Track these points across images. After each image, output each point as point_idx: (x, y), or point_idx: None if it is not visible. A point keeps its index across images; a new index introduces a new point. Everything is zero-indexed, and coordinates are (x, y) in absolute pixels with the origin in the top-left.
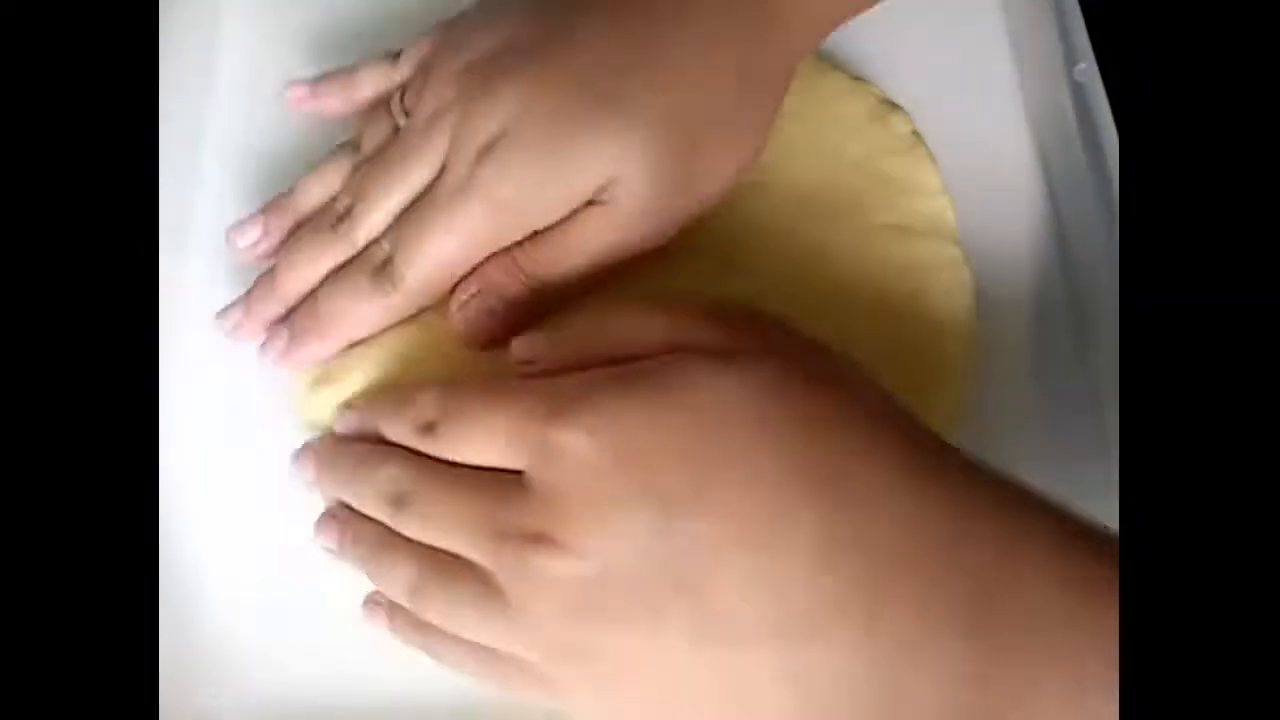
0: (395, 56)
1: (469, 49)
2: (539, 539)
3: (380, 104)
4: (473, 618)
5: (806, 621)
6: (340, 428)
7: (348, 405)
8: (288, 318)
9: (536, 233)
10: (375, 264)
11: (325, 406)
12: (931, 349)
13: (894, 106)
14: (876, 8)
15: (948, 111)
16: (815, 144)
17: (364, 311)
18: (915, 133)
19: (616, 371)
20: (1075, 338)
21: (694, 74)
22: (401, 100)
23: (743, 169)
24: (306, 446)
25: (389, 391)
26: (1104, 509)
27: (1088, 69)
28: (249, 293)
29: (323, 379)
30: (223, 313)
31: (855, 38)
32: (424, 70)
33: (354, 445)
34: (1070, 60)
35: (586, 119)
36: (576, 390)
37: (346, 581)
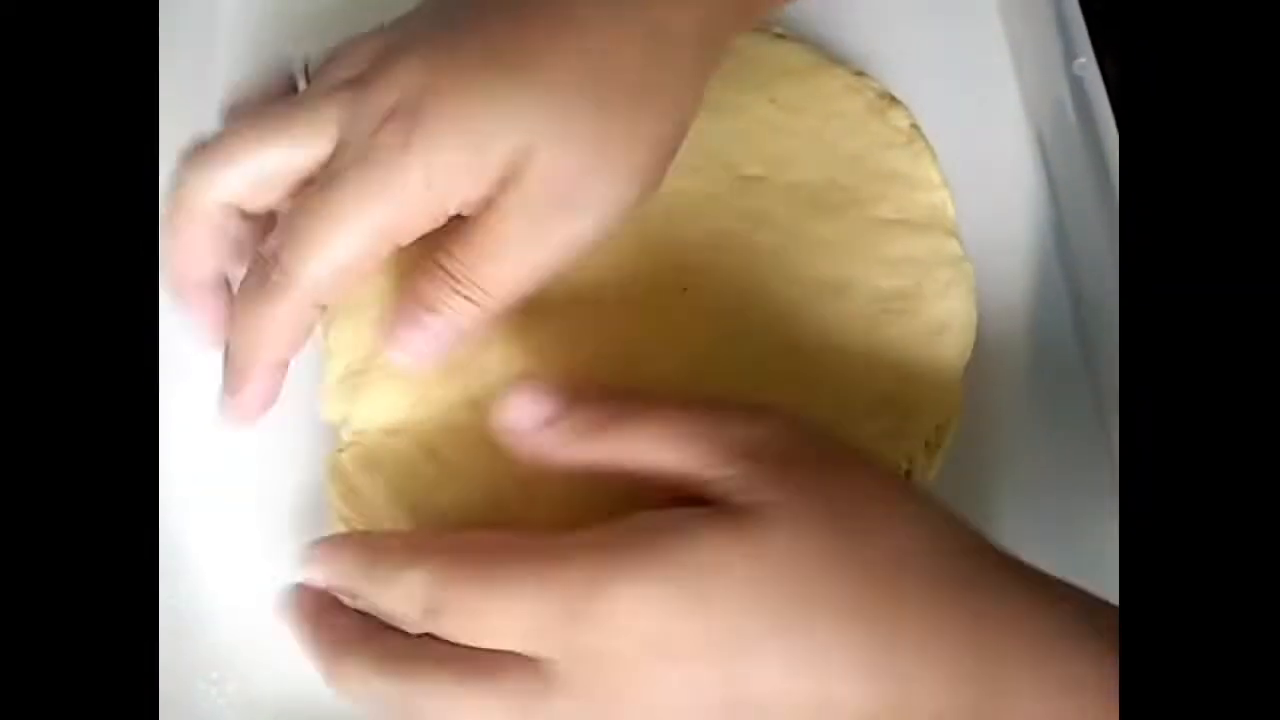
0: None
1: (376, 37)
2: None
3: None
4: None
5: None
6: (308, 577)
7: (311, 549)
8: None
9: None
10: (265, 267)
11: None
12: (932, 343)
13: (893, 101)
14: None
15: (947, 106)
16: (815, 138)
17: (266, 326)
18: (915, 126)
19: (629, 539)
20: (1075, 331)
21: (600, 39)
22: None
23: (672, 139)
24: (287, 602)
25: (355, 549)
26: (1104, 506)
27: (1087, 63)
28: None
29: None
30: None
31: (855, 33)
32: (329, 57)
33: (339, 618)
34: (1069, 55)
35: (495, 86)
36: (598, 571)
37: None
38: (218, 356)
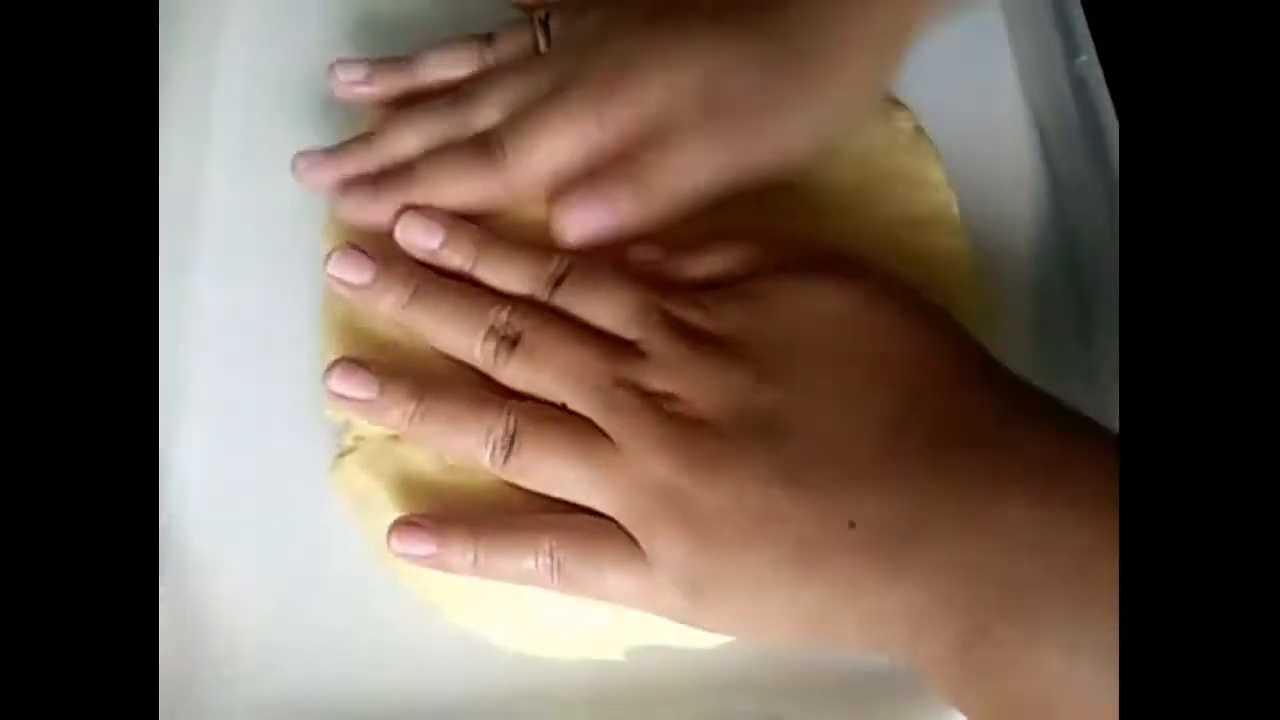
0: (487, 38)
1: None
2: (656, 394)
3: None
4: (570, 459)
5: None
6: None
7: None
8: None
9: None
10: (484, 142)
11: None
12: None
13: (897, 103)
14: None
15: (949, 106)
16: None
17: (461, 182)
18: (918, 128)
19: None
20: (1078, 329)
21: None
22: (545, 23)
23: (827, 121)
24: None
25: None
26: None
27: (1088, 61)
28: (338, 146)
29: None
30: (303, 153)
31: None
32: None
33: (454, 283)
34: (1071, 53)
35: (688, 20)
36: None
37: (351, 581)
38: (217, 357)
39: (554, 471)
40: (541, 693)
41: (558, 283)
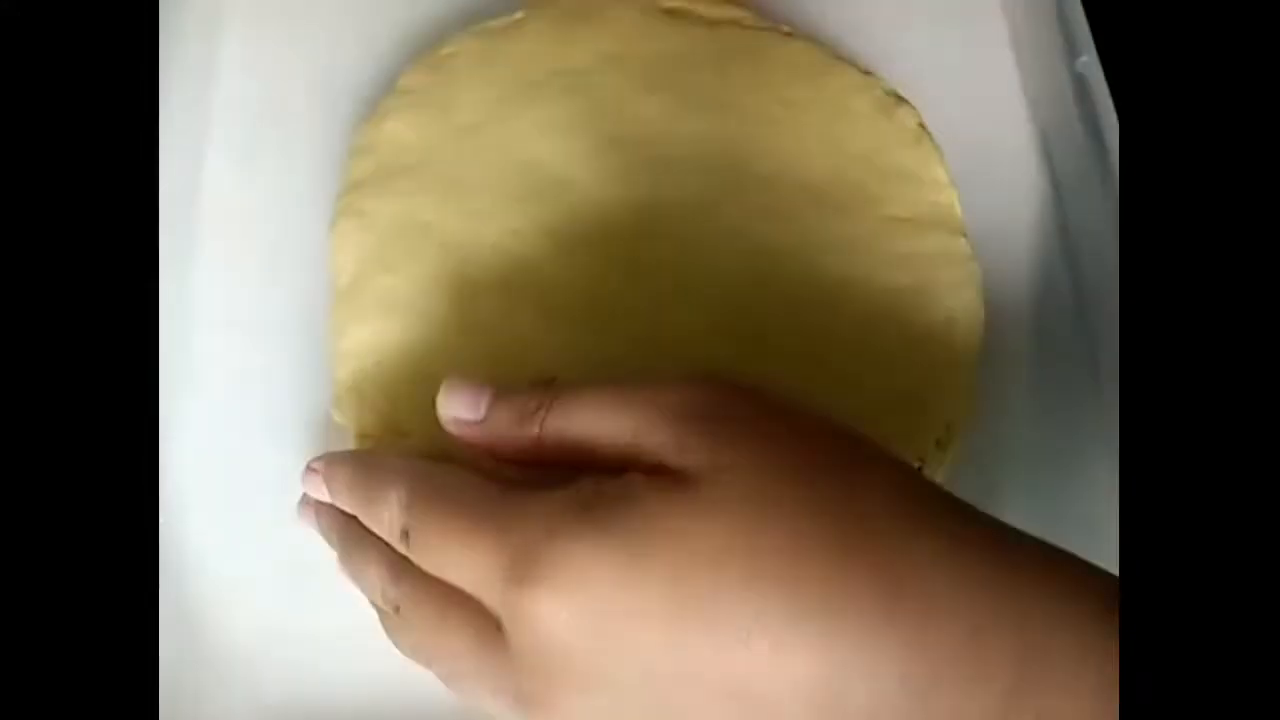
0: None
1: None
2: (520, 698)
3: None
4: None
5: None
6: (307, 490)
7: (311, 466)
8: None
9: None
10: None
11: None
12: (941, 341)
13: (900, 100)
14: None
15: (950, 106)
16: (824, 136)
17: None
18: (922, 125)
19: (576, 505)
20: (1079, 329)
21: None
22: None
23: None
24: (304, 504)
25: (349, 466)
26: (1111, 501)
27: (1089, 62)
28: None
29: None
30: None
31: (862, 33)
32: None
33: (349, 527)
34: (1072, 53)
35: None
36: (539, 535)
37: (352, 584)
38: (217, 356)
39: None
40: None
41: (405, 535)
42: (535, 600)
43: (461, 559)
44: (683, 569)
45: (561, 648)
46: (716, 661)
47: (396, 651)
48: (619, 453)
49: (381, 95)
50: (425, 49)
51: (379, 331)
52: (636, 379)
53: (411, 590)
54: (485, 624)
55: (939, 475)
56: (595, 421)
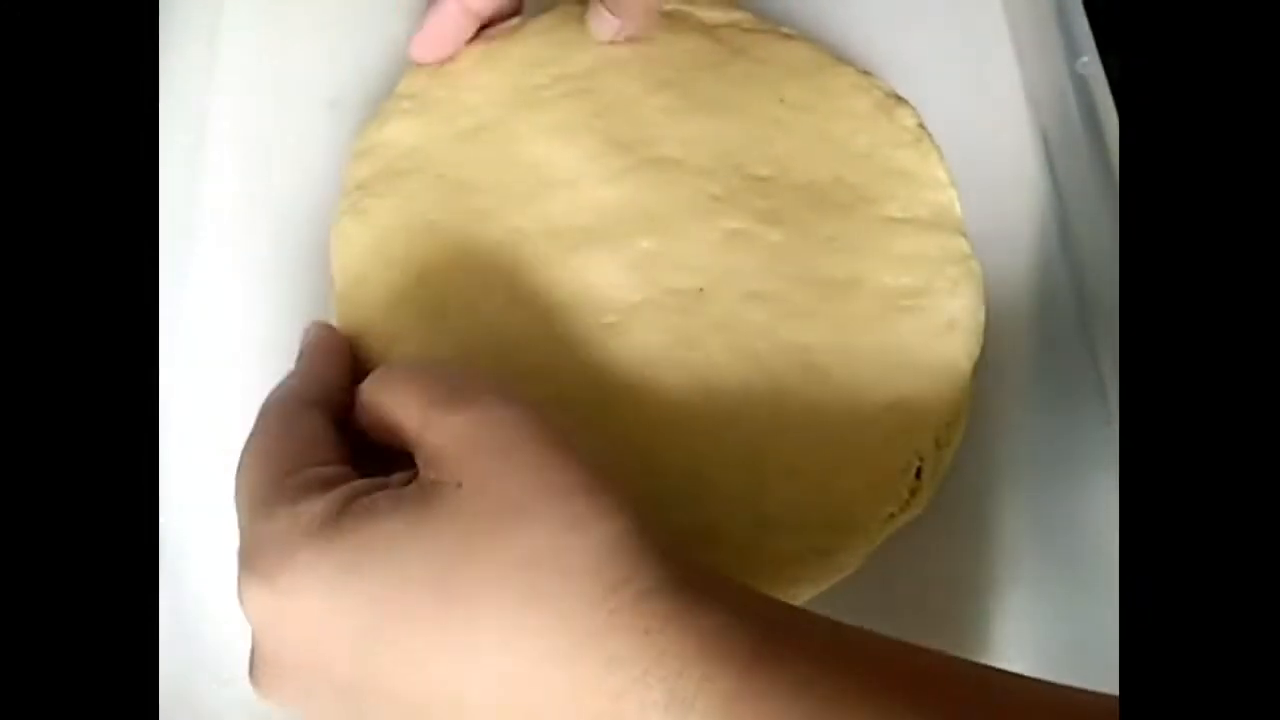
0: None
1: None
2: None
3: None
4: None
5: None
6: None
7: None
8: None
9: None
10: None
11: None
12: (940, 341)
13: (900, 100)
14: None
15: (951, 106)
16: (823, 137)
17: None
18: (921, 125)
19: (325, 512)
20: (1080, 330)
21: None
22: None
23: None
24: None
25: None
26: (1110, 502)
27: (1090, 62)
28: None
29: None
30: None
31: (862, 33)
32: None
33: None
34: (1072, 53)
35: None
36: (284, 540)
37: None
38: (217, 357)
39: None
40: None
41: None
42: (256, 597)
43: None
44: (384, 590)
45: (272, 643)
46: (399, 675)
47: None
48: (414, 437)
49: (383, 98)
50: None
51: (380, 332)
52: (428, 372)
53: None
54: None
55: (939, 474)
56: (396, 403)
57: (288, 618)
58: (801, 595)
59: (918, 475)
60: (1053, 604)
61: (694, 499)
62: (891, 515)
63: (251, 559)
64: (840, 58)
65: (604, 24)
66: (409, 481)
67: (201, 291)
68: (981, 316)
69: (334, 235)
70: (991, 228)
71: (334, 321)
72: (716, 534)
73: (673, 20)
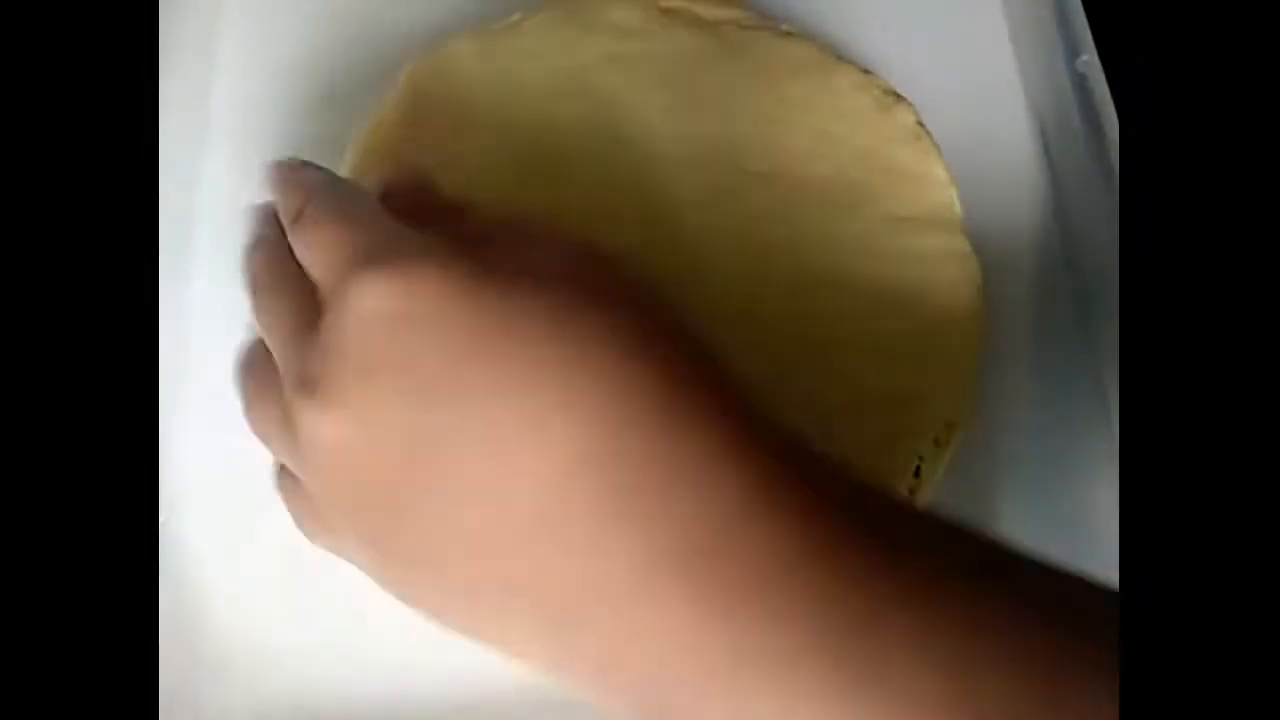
0: None
1: None
2: (306, 385)
3: None
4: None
5: (525, 534)
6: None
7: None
8: None
9: None
10: None
11: None
12: (940, 340)
13: (899, 98)
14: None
15: (950, 104)
16: (823, 135)
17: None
18: (920, 123)
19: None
20: (1079, 329)
21: None
22: None
23: None
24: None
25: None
26: (1110, 499)
27: (1090, 60)
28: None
29: None
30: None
31: (861, 31)
32: None
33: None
34: (1072, 52)
35: None
36: (385, 245)
37: (352, 580)
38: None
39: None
40: (542, 693)
41: (296, 217)
42: (363, 294)
43: (328, 237)
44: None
45: (369, 336)
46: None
47: (396, 651)
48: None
49: (382, 95)
50: (425, 49)
51: None
52: None
53: (270, 263)
54: (312, 307)
55: (938, 474)
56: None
57: (399, 307)
58: None
59: (917, 474)
60: None
61: None
62: None
63: (358, 256)
64: (840, 56)
65: None
66: None
67: (201, 291)
68: (981, 315)
69: None
70: (991, 226)
71: None
72: None
73: (672, 17)
